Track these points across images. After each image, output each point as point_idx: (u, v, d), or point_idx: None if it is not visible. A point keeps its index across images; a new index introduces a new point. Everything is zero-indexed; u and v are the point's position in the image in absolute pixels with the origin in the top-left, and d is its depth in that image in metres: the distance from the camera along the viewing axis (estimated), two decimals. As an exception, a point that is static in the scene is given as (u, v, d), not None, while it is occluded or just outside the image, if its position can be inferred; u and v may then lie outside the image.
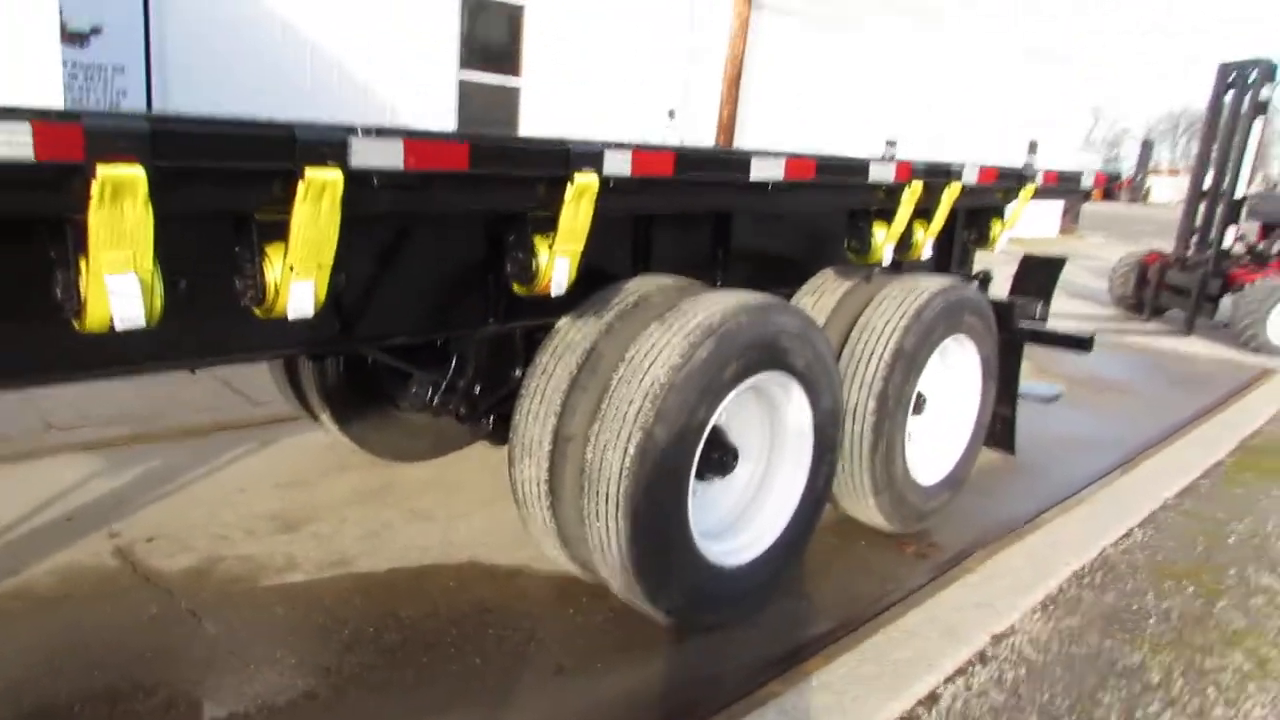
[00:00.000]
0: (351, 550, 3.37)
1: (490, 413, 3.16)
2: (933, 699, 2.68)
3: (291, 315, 1.89)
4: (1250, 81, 8.73)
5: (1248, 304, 8.37)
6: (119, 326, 1.60)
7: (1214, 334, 8.91)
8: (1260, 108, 8.70)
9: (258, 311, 1.93)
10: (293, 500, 3.76)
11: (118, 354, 1.92)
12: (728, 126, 11.92)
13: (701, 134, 12.92)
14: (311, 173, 1.75)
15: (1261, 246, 9.61)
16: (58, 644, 2.71)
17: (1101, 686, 2.82)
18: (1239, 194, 8.87)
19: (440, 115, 10.97)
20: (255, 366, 4.45)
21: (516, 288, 2.59)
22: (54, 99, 5.29)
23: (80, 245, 1.58)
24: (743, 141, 12.60)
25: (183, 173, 1.65)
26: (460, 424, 3.27)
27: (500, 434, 3.04)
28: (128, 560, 3.18)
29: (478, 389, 3.08)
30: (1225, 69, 9.03)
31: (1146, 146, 37.79)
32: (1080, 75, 21.33)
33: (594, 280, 2.77)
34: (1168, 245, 9.91)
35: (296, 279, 1.84)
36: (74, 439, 4.33)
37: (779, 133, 13.50)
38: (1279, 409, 6.42)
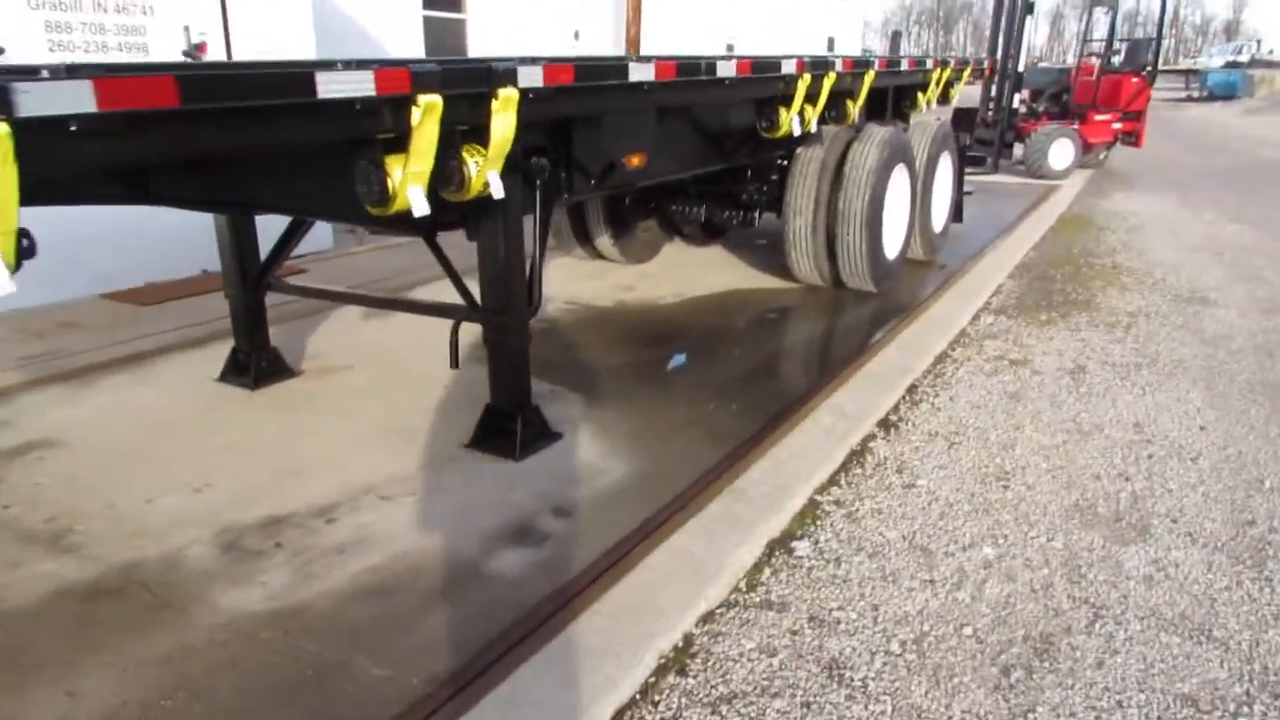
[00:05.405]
0: (678, 292, 6.16)
1: (757, 210, 6.07)
2: (987, 305, 5.99)
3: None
4: (1022, -11, 12.55)
5: (1033, 145, 12.42)
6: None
7: (1011, 171, 12.98)
8: (1029, 8, 12.57)
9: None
10: (603, 283, 6.42)
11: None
12: (635, 41, 14.62)
13: (605, 49, 15.51)
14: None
15: (1034, 105, 13.76)
16: (585, 325, 5.39)
17: (1049, 292, 6.26)
18: (1020, 69, 12.81)
19: (411, 43, 12.88)
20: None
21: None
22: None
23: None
24: (646, 52, 15.35)
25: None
26: (727, 224, 6.17)
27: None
28: (580, 304, 5.85)
29: (758, 195, 5.96)
30: (1004, -21, 12.81)
31: (896, 36, 43.22)
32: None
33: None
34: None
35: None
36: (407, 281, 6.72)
37: (668, 44, 16.37)
38: (1068, 204, 10.39)
